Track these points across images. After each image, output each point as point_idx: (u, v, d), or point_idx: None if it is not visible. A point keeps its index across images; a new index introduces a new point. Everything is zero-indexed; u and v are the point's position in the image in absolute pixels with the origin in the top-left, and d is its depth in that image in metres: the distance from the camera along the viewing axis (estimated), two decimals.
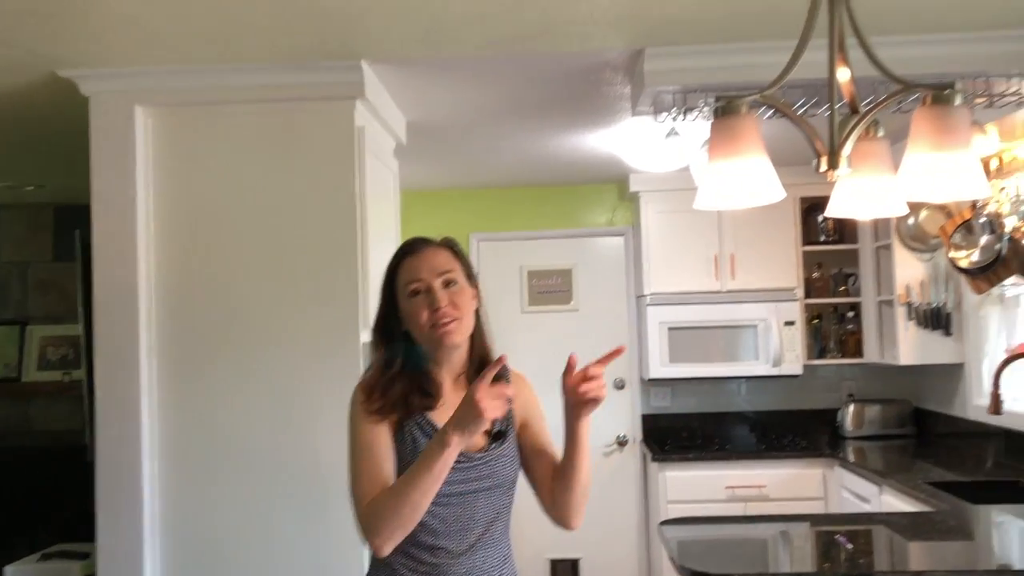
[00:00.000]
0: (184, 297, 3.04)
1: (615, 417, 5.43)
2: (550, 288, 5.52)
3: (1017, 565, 2.68)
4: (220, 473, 3.00)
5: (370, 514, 1.74)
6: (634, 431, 5.43)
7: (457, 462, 1.75)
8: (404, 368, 1.87)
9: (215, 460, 3.01)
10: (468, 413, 1.66)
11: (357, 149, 3.00)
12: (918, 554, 2.83)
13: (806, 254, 5.12)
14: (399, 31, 2.66)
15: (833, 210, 1.67)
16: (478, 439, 1.85)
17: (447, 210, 5.56)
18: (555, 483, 1.91)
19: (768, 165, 1.49)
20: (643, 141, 3.84)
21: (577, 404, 1.83)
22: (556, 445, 1.98)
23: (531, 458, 1.96)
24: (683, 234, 5.04)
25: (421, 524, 1.77)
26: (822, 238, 5.18)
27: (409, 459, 1.78)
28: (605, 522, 5.29)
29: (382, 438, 1.82)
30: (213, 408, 3.01)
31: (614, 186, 5.53)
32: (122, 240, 3.00)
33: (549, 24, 2.60)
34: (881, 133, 1.67)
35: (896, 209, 1.61)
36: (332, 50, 2.83)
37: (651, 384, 5.33)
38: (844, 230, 5.20)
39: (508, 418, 1.93)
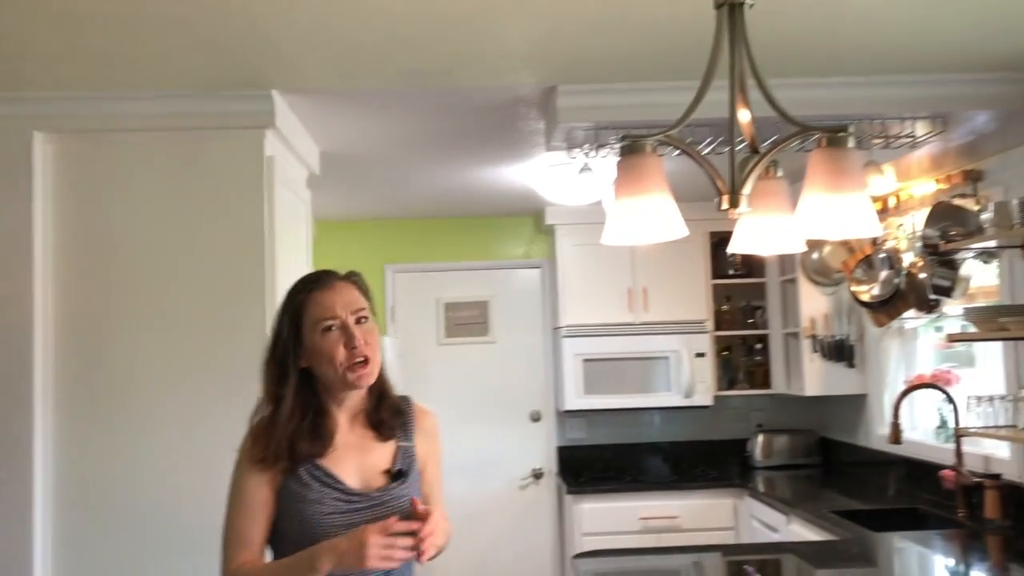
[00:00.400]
0: (84, 333, 2.92)
1: (531, 450, 5.43)
2: (467, 320, 5.51)
3: None
4: (118, 517, 2.87)
5: None
6: (549, 463, 5.43)
7: (354, 503, 1.74)
8: (298, 409, 1.78)
9: (112, 503, 2.87)
10: (351, 554, 1.62)
11: (266, 179, 2.95)
12: None
13: (716, 287, 5.24)
14: (311, 61, 2.64)
15: (735, 247, 1.71)
16: (377, 477, 1.80)
17: (362, 241, 5.51)
18: None
19: (672, 203, 1.52)
20: (557, 175, 3.88)
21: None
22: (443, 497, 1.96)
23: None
24: (598, 267, 5.10)
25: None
26: (731, 272, 5.31)
27: (301, 505, 1.74)
28: (521, 555, 5.27)
29: (260, 493, 1.76)
30: (112, 450, 2.89)
31: (531, 219, 5.57)
32: (17, 273, 2.87)
33: (463, 59, 2.61)
34: (780, 173, 1.72)
35: (795, 246, 1.65)
36: (242, 79, 2.78)
37: (567, 416, 5.35)
38: (752, 264, 5.34)
39: (411, 456, 1.87)
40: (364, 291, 1.86)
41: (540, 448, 5.44)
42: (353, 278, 1.87)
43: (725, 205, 1.56)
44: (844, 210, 1.45)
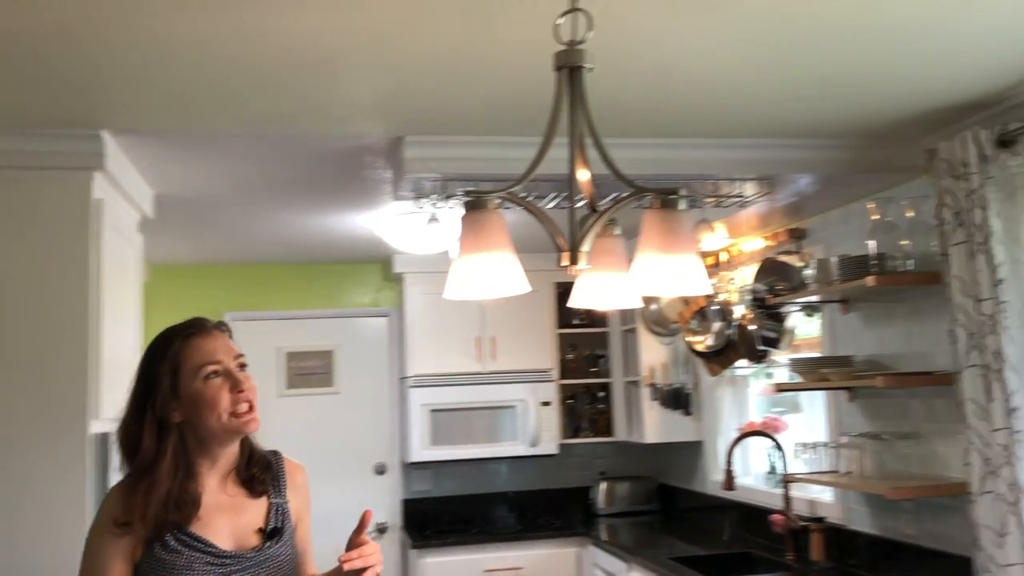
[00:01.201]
0: None
1: (374, 504, 5.28)
2: (310, 370, 5.36)
3: None
4: None
5: None
6: (394, 517, 5.32)
7: (226, 565, 1.69)
8: (177, 467, 1.71)
9: None
10: None
11: (94, 223, 2.77)
12: None
13: (561, 336, 5.34)
14: (146, 101, 2.52)
15: (574, 302, 1.74)
16: (251, 536, 1.75)
17: (201, 287, 5.29)
18: None
19: (513, 260, 1.53)
20: (405, 224, 3.86)
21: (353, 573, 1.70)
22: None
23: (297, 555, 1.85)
24: (447, 316, 5.08)
25: None
26: (575, 321, 5.43)
27: (169, 573, 1.66)
28: None
29: (117, 564, 1.67)
30: None
31: (379, 266, 5.51)
32: None
33: (306, 106, 2.57)
34: (618, 231, 1.77)
35: (631, 302, 1.69)
36: (69, 118, 2.62)
37: (413, 468, 5.27)
38: (595, 314, 5.47)
39: (284, 513, 1.82)
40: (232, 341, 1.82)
41: (385, 502, 5.32)
42: (224, 328, 1.82)
43: (565, 262, 1.58)
44: (675, 270, 1.49)
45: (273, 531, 1.78)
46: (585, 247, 1.59)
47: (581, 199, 1.67)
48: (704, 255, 4.54)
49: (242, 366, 1.77)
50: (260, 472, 1.82)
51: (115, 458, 2.73)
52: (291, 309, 5.39)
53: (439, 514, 5.27)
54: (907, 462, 3.17)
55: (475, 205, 1.53)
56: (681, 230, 1.51)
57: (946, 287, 2.74)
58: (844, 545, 3.56)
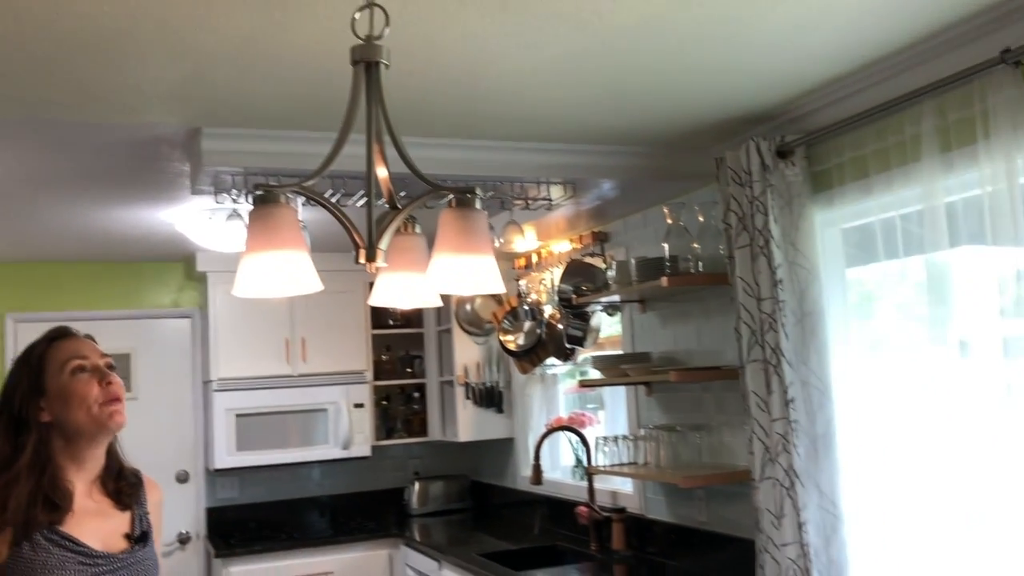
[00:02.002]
0: None
1: (176, 513, 5.03)
2: None
3: None
4: None
5: None
6: (198, 526, 5.08)
7: (98, 565, 1.70)
8: (37, 467, 1.70)
9: None
10: None
11: None
12: None
13: (375, 337, 5.28)
14: None
15: (374, 300, 1.72)
16: (119, 541, 1.78)
17: None
18: None
19: (304, 257, 1.49)
20: (206, 220, 3.70)
21: None
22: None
23: None
24: (254, 317, 4.91)
25: None
26: (390, 322, 5.39)
27: (39, 573, 1.64)
28: None
29: None
30: None
31: (180, 264, 5.24)
32: None
33: (89, 92, 2.40)
34: (418, 230, 1.77)
35: (431, 301, 1.70)
36: None
37: (217, 475, 5.05)
38: (410, 314, 5.45)
39: (148, 522, 1.86)
40: None
41: (187, 511, 5.07)
42: (90, 337, 1.87)
43: (362, 260, 1.56)
44: (471, 269, 1.51)
45: (142, 535, 1.81)
46: (383, 244, 1.57)
47: (379, 197, 1.65)
48: (515, 257, 4.64)
49: (110, 367, 1.81)
50: (126, 487, 1.86)
51: None
52: (84, 310, 5.01)
53: (246, 522, 5.08)
54: (699, 452, 3.36)
55: (264, 199, 1.48)
56: (476, 229, 1.53)
57: (732, 288, 2.92)
58: (643, 533, 3.73)
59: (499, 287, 1.55)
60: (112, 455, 1.85)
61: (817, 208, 2.80)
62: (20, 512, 1.66)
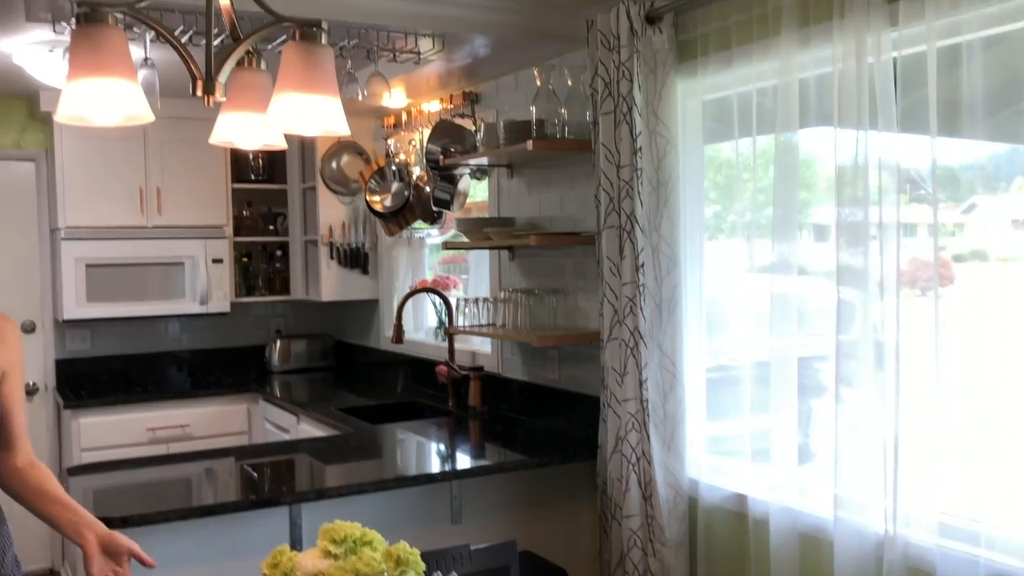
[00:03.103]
0: None
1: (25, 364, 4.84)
2: None
3: (412, 472, 3.04)
4: None
5: None
6: (47, 378, 4.93)
7: None
8: None
9: None
10: None
11: None
12: (328, 472, 3.04)
13: (236, 191, 5.10)
14: None
15: (214, 137, 1.65)
16: None
17: None
18: (22, 487, 1.88)
19: (133, 85, 1.40)
20: (44, 53, 3.42)
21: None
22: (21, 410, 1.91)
23: None
24: (105, 163, 4.65)
25: None
26: (252, 176, 5.21)
27: None
28: None
29: None
30: None
31: (23, 103, 4.85)
32: None
33: None
34: (264, 65, 1.69)
35: (273, 141, 1.64)
36: None
37: (67, 326, 4.87)
38: (275, 170, 5.29)
39: None
40: None
41: (35, 362, 4.89)
42: None
43: (199, 92, 1.49)
44: (315, 107, 1.46)
45: None
46: (222, 78, 1.50)
47: (221, 31, 1.57)
48: (384, 115, 4.52)
49: None
50: None
51: None
52: None
53: (98, 375, 4.96)
54: (554, 315, 3.46)
55: (90, 18, 1.37)
56: (321, 65, 1.48)
57: (594, 154, 2.95)
58: (499, 391, 3.86)
59: (343, 128, 1.51)
60: None
61: (680, 78, 2.83)
62: None
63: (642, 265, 2.80)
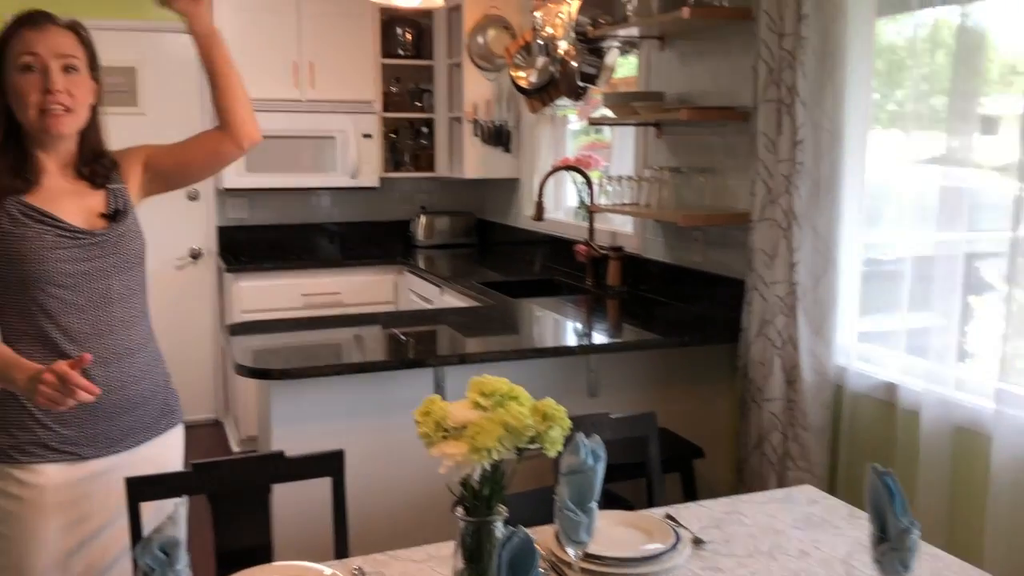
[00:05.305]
0: None
1: (188, 229, 5.17)
2: (111, 87, 4.92)
3: (549, 344, 3.08)
4: None
5: None
6: (209, 243, 5.23)
7: (79, 239, 1.77)
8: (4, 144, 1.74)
9: None
10: (29, 391, 1.61)
11: None
12: (469, 341, 3.13)
13: (385, 67, 5.15)
14: None
15: None
16: (97, 221, 1.81)
17: None
18: (216, 99, 2.00)
19: None
20: None
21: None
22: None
23: (186, 154, 2.01)
24: (261, 38, 4.77)
25: (54, 321, 1.75)
26: (400, 52, 5.24)
27: (20, 244, 1.72)
28: (181, 335, 5.11)
29: None
30: None
31: None
32: None
33: None
34: None
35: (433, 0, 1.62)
36: None
37: (227, 194, 5.13)
38: (421, 45, 5.29)
39: (123, 196, 1.89)
40: (85, 43, 1.83)
41: (198, 228, 5.20)
42: (76, 27, 1.83)
43: None
44: None
45: (115, 212, 1.84)
46: None
47: None
48: None
49: (69, 68, 1.76)
50: (101, 169, 1.87)
51: None
52: (88, 17, 4.84)
53: (256, 242, 5.23)
54: (702, 195, 3.37)
55: None
56: None
57: (755, 22, 2.79)
58: (638, 271, 3.83)
59: None
60: (86, 142, 1.85)
61: None
62: None
63: (801, 141, 2.66)
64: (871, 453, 2.63)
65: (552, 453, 1.46)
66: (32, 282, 1.74)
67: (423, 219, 5.39)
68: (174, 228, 5.08)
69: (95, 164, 1.87)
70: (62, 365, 1.55)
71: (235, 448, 4.77)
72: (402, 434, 2.50)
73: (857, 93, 2.65)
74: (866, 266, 2.73)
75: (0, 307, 1.78)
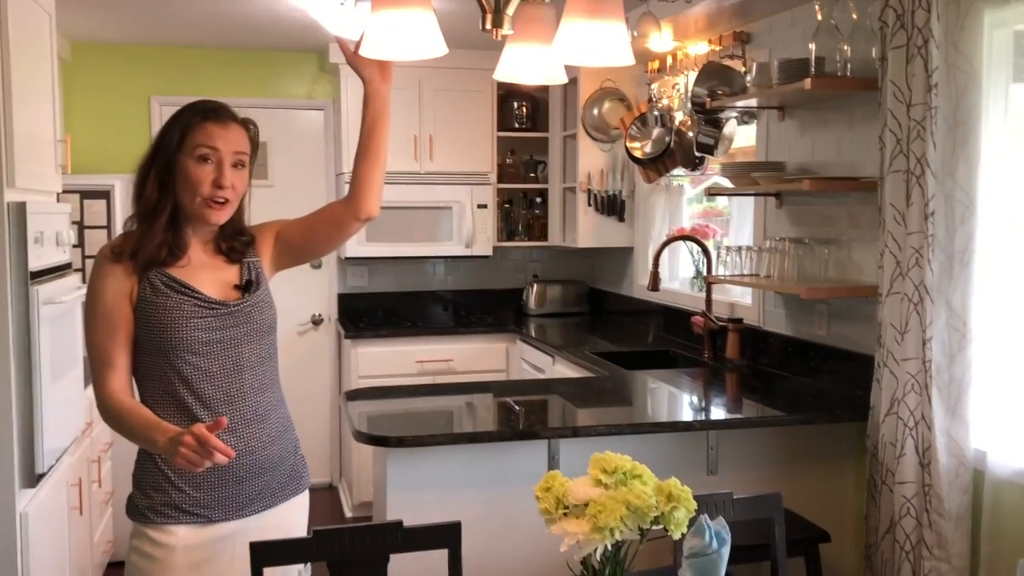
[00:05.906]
0: None
1: (311, 296, 5.36)
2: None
3: (666, 419, 3.02)
4: None
5: (104, 413, 1.83)
6: (330, 310, 5.40)
7: (214, 309, 1.87)
8: (170, 217, 1.86)
9: None
10: (169, 452, 1.67)
11: None
12: (582, 413, 3.10)
13: (501, 139, 5.27)
14: None
15: (499, 73, 1.69)
16: (232, 292, 1.92)
17: (126, 68, 5.04)
18: (358, 165, 2.12)
19: (432, 19, 1.46)
20: (337, 7, 3.68)
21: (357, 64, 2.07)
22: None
23: (311, 228, 2.09)
24: None
25: (188, 386, 1.84)
26: (516, 124, 5.35)
27: (160, 313, 1.82)
28: (300, 399, 5.24)
29: (120, 308, 1.82)
30: None
31: (314, 55, 5.29)
32: None
33: None
34: (548, 0, 1.70)
35: (556, 76, 1.65)
36: None
37: (348, 263, 5.30)
38: (536, 118, 5.39)
39: (256, 269, 1.99)
40: (253, 143, 1.96)
41: (321, 295, 5.38)
42: (248, 126, 1.96)
43: (488, 25, 1.52)
44: (600, 36, 1.45)
45: (248, 283, 1.94)
46: (510, 10, 1.53)
47: None
48: (648, 59, 4.45)
49: (238, 164, 1.88)
50: (239, 244, 1.98)
51: (33, 228, 2.68)
52: (222, 97, 5.14)
53: (373, 309, 5.36)
54: (824, 267, 3.27)
55: None
56: None
57: (880, 92, 2.73)
58: (758, 345, 3.73)
59: (629, 58, 1.49)
60: (231, 222, 1.95)
61: (988, 6, 2.53)
62: (144, 254, 1.83)
63: (932, 213, 2.56)
64: (1019, 545, 2.45)
65: (676, 535, 1.42)
66: (169, 349, 1.83)
67: (535, 287, 5.43)
68: (298, 295, 5.26)
69: (234, 241, 1.97)
70: (201, 428, 1.61)
71: (348, 513, 4.82)
72: (517, 506, 2.49)
73: (992, 162, 2.55)
74: (1005, 342, 2.58)
75: (139, 372, 1.88)
